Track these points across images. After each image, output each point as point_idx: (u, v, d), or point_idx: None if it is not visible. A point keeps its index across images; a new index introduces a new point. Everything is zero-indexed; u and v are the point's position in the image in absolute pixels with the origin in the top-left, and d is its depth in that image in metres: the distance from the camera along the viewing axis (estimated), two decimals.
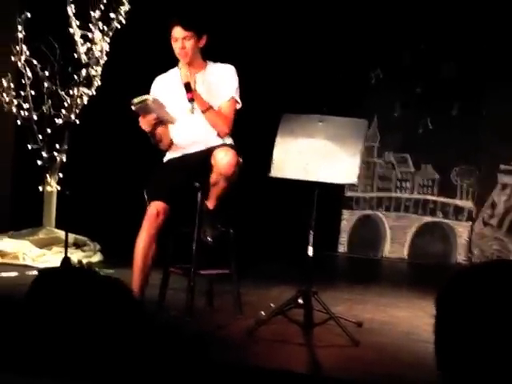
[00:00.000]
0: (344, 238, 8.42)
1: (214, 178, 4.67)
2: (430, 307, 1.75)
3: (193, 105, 4.76)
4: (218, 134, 4.84)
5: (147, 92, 4.83)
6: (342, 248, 8.42)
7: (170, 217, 4.74)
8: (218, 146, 4.74)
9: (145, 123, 4.64)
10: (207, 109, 4.75)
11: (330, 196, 6.96)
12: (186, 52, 4.75)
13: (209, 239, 4.79)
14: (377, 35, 8.25)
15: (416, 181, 8.29)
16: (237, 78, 4.87)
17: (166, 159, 4.95)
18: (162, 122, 4.72)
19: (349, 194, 8.43)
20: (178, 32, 4.74)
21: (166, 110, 4.68)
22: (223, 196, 4.77)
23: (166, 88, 4.85)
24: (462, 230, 8.06)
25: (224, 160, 4.59)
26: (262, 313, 4.83)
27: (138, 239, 4.71)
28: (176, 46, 4.76)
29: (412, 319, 5.27)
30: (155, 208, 4.69)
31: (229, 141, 4.90)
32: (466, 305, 1.62)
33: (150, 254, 4.71)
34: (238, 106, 4.91)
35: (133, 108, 4.56)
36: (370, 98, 8.33)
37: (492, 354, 1.59)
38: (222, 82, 4.85)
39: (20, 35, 6.97)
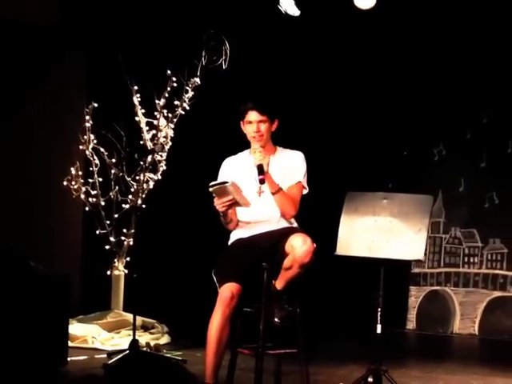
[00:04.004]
0: (412, 315, 8.32)
1: (288, 263, 4.63)
2: None
3: (260, 187, 4.82)
4: (284, 216, 4.86)
5: (213, 174, 4.90)
6: (411, 325, 8.32)
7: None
8: (291, 231, 4.73)
9: (220, 204, 4.68)
10: (277, 191, 4.80)
11: (397, 273, 6.91)
12: (260, 135, 4.85)
13: (276, 320, 4.76)
14: (438, 112, 8.29)
15: (484, 255, 8.19)
16: (305, 164, 4.92)
17: (232, 240, 4.98)
18: (236, 203, 4.77)
19: (416, 270, 8.37)
20: (253, 116, 4.84)
21: (242, 193, 4.73)
22: (295, 280, 4.74)
23: (236, 170, 4.91)
24: None
25: (302, 248, 4.56)
26: None
27: (212, 321, 4.64)
28: (251, 130, 4.85)
29: None
30: (229, 290, 4.64)
31: (294, 224, 4.91)
32: None
33: (224, 337, 4.66)
34: (305, 192, 4.93)
35: (210, 190, 4.62)
36: (434, 174, 8.32)
37: None
38: (290, 168, 4.90)
39: (87, 124, 7.18)
